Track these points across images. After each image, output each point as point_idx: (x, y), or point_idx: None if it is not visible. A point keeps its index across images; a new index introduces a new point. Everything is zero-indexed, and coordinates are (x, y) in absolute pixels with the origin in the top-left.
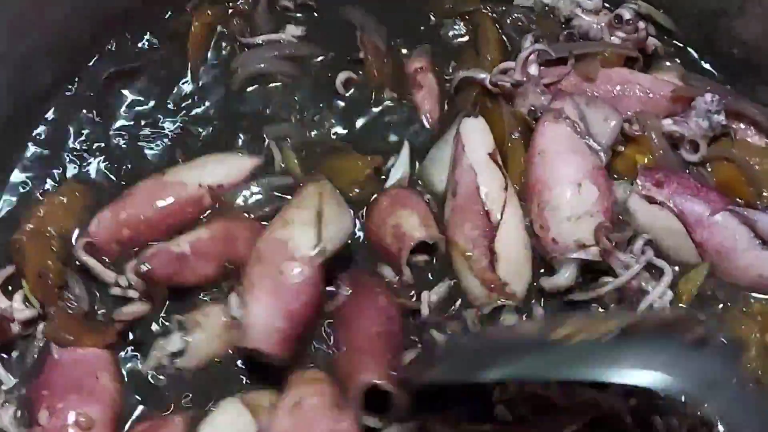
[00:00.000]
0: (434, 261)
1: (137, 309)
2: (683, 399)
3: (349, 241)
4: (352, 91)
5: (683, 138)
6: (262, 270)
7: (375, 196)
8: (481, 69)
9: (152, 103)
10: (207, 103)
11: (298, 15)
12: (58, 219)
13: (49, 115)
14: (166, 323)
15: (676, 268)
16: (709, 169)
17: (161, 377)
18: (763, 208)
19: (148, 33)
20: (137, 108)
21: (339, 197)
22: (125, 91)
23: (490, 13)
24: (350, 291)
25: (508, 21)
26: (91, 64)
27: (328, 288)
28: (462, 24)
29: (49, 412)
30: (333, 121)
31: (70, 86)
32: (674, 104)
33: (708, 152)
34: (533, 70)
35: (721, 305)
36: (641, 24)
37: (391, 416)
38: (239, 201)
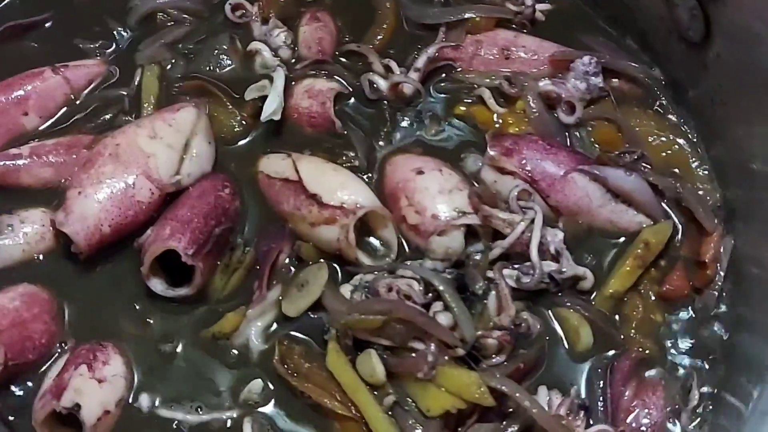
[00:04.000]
0: None
1: None
2: None
3: None
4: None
5: (560, 99)
6: (115, 171)
7: None
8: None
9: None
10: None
11: None
12: None
13: None
14: None
15: None
16: (589, 129)
17: None
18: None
19: None
20: None
21: (210, 134)
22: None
23: None
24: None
25: None
26: None
27: None
28: None
29: None
30: (221, 58)
31: None
32: (555, 67)
33: (587, 114)
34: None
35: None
36: (528, 1)
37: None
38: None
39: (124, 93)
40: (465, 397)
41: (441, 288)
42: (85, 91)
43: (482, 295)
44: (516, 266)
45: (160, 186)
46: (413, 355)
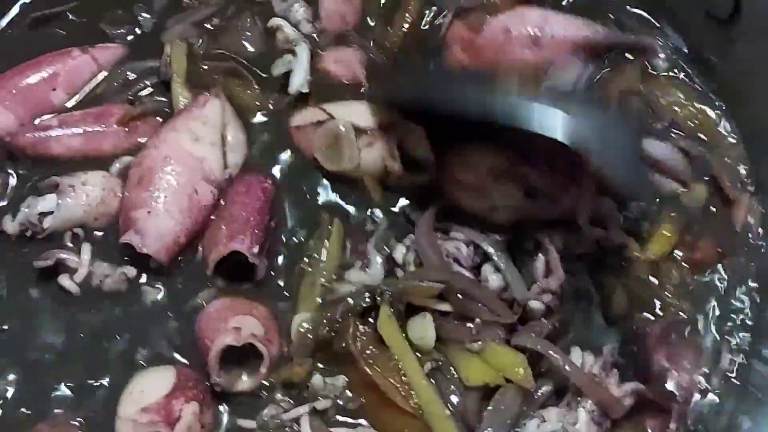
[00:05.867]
0: None
1: None
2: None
3: None
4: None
5: None
6: (177, 184)
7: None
8: None
9: None
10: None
11: None
12: None
13: None
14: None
15: None
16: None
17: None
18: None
19: None
20: None
21: (239, 120)
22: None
23: None
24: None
25: None
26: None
27: None
28: None
29: None
30: (246, 36)
31: None
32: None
33: (614, 88)
34: None
35: None
36: None
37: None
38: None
39: (156, 65)
40: (507, 375)
41: (490, 250)
42: (111, 70)
43: (530, 259)
44: (565, 231)
45: (217, 185)
46: (468, 325)
